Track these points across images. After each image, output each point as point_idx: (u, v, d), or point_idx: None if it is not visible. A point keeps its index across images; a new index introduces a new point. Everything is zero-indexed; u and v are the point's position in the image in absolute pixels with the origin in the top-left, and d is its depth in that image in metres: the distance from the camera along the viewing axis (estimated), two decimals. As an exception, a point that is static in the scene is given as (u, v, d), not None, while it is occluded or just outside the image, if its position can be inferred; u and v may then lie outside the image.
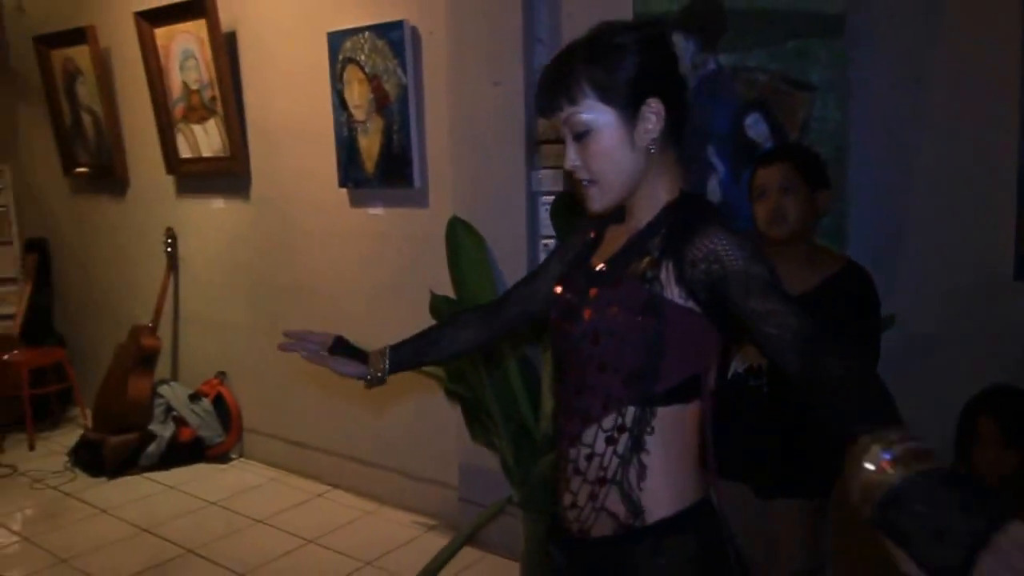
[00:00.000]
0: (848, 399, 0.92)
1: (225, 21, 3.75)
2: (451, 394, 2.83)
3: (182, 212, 4.33)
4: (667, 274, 1.12)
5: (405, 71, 3.16)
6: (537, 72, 1.86)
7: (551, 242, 2.83)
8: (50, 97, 4.79)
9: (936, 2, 2.08)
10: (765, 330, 1.04)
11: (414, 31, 3.15)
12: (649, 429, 1.14)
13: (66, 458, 4.15)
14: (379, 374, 1.47)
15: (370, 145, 3.33)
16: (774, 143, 2.27)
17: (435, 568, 2.39)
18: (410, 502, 3.46)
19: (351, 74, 3.33)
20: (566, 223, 2.70)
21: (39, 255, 5.21)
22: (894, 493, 0.76)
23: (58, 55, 4.65)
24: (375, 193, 3.41)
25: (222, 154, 3.95)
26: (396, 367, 1.48)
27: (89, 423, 4.36)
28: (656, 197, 1.20)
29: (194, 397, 4.22)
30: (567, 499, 1.22)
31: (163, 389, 4.25)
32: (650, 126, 1.14)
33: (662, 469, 1.15)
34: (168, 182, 4.33)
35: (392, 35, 3.16)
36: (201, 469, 4.06)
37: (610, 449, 1.16)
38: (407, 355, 1.49)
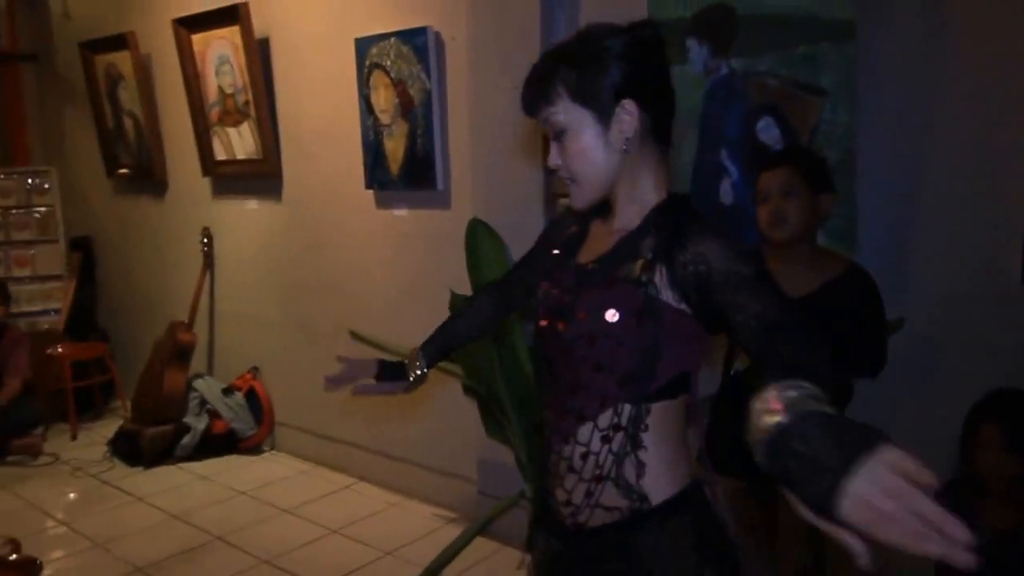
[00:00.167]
0: (790, 375, 0.89)
1: (258, 28, 3.87)
2: (468, 390, 2.91)
3: (217, 213, 4.47)
4: (661, 277, 1.15)
5: (429, 76, 3.24)
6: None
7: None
8: (94, 101, 4.98)
9: (945, 7, 2.10)
10: (736, 319, 1.06)
11: (437, 37, 3.24)
12: (644, 426, 1.17)
13: (106, 448, 4.31)
14: (419, 373, 1.55)
15: (395, 148, 3.43)
16: (785, 147, 2.30)
17: (446, 559, 2.47)
18: (432, 495, 3.55)
19: (377, 79, 3.43)
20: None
21: (83, 253, 5.40)
22: (777, 432, 0.77)
23: (101, 60, 4.84)
24: (400, 195, 3.50)
25: (255, 156, 4.08)
26: (431, 363, 1.57)
27: (128, 415, 4.53)
28: (643, 197, 1.23)
29: (227, 391, 4.37)
30: (561, 495, 1.24)
31: (198, 383, 4.40)
32: (624, 127, 1.18)
33: (658, 459, 1.18)
34: (204, 184, 4.48)
35: (416, 41, 3.25)
36: (233, 460, 4.20)
37: (606, 447, 1.19)
38: (436, 349, 1.58)
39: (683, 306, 1.14)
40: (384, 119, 3.44)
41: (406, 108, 3.35)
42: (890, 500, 0.69)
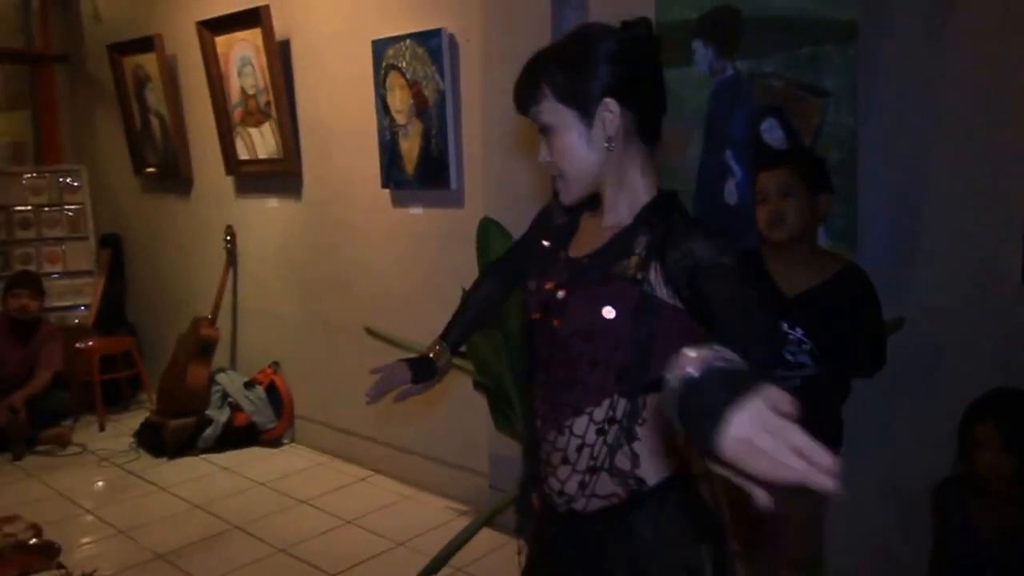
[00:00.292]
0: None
1: (279, 30, 3.96)
2: (479, 386, 2.96)
3: (240, 211, 4.58)
4: (656, 274, 1.18)
5: (443, 77, 3.30)
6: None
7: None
8: (122, 102, 5.11)
9: (947, 8, 2.11)
10: (711, 304, 1.09)
11: (451, 39, 3.29)
12: (639, 420, 1.21)
13: (131, 439, 4.44)
14: (446, 363, 1.60)
15: (410, 148, 3.49)
16: (784, 148, 2.33)
17: (453, 550, 2.53)
18: (445, 488, 3.62)
19: (393, 80, 3.50)
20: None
21: (113, 250, 5.53)
22: (684, 385, 0.76)
23: (129, 62, 4.97)
24: (415, 194, 3.57)
25: (276, 156, 4.18)
26: (454, 350, 1.61)
27: (153, 407, 4.65)
28: (632, 194, 1.26)
29: (249, 385, 4.47)
30: (554, 485, 1.28)
31: (220, 377, 4.51)
32: (606, 126, 1.21)
33: (651, 449, 1.22)
34: (228, 182, 4.59)
35: (431, 43, 3.31)
36: (254, 452, 4.30)
37: (600, 439, 1.22)
38: (456, 336, 1.63)
39: (677, 302, 1.18)
40: (400, 119, 3.51)
41: (421, 109, 3.41)
42: (767, 435, 0.70)
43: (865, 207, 2.25)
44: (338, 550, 3.17)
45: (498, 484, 3.26)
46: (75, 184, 5.37)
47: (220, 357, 4.69)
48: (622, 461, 1.23)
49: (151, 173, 5.15)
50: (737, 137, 2.46)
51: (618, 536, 1.24)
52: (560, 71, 1.23)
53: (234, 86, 4.28)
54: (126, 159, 5.28)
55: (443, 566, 2.62)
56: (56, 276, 5.31)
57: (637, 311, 1.18)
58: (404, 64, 3.43)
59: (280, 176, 4.21)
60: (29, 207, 5.28)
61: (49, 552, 2.06)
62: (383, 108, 3.56)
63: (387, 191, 3.68)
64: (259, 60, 4.07)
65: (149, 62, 4.81)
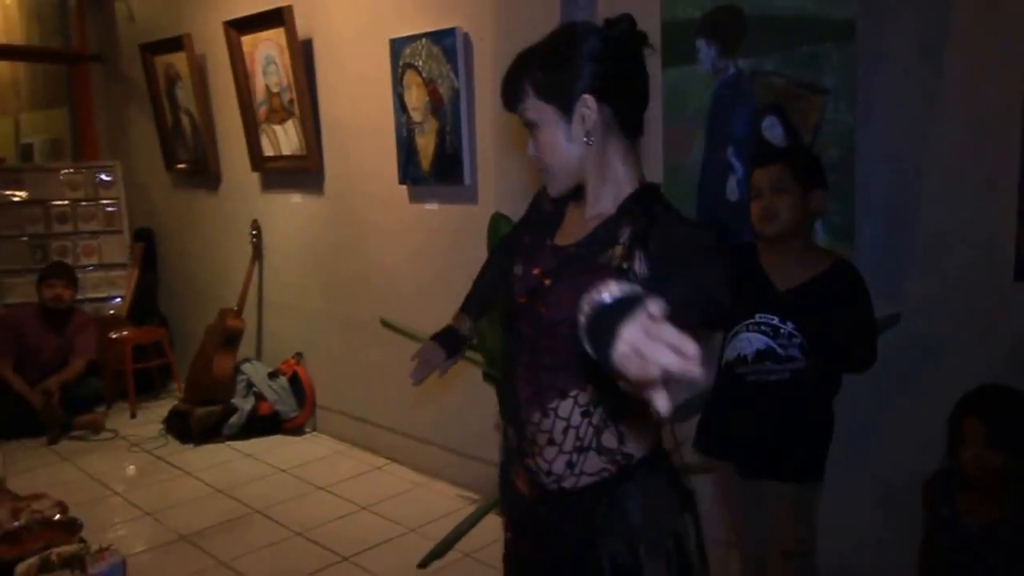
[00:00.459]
0: None
1: (302, 29, 4.07)
2: (488, 377, 3.04)
3: (265, 206, 4.70)
4: (640, 263, 1.23)
5: (457, 75, 3.37)
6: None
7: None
8: (154, 100, 5.27)
9: (944, 7, 2.13)
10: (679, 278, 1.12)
11: (466, 38, 3.37)
12: (623, 401, 1.24)
13: (161, 426, 4.59)
14: (468, 328, 1.70)
15: (426, 145, 3.58)
16: (777, 145, 2.37)
17: (459, 534, 2.61)
18: (457, 477, 3.70)
19: (410, 78, 3.58)
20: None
21: (146, 244, 5.70)
22: (593, 313, 0.82)
23: (160, 61, 5.12)
24: (430, 190, 3.65)
25: (299, 153, 4.29)
26: (476, 320, 1.72)
27: (181, 395, 4.81)
28: (616, 186, 1.32)
29: (273, 375, 4.60)
30: (542, 465, 1.33)
31: (245, 367, 4.64)
32: (584, 121, 1.27)
33: (636, 428, 1.28)
34: (254, 178, 4.72)
35: (446, 42, 3.39)
36: (277, 440, 4.43)
37: (586, 421, 1.28)
38: (474, 304, 1.73)
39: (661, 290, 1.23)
40: (416, 117, 3.60)
41: (436, 106, 3.49)
42: (647, 339, 0.74)
43: (863, 204, 2.27)
44: (352, 534, 3.27)
45: (508, 473, 3.34)
46: (110, 180, 5.55)
47: (246, 348, 4.83)
48: (609, 440, 1.28)
49: (182, 169, 5.31)
50: (738, 135, 2.50)
51: (608, 509, 1.29)
52: (540, 70, 1.30)
53: (259, 84, 4.40)
54: (158, 155, 5.44)
55: (449, 550, 2.70)
56: (92, 268, 5.50)
57: (624, 301, 1.23)
58: (420, 63, 3.51)
59: (303, 172, 4.32)
60: (66, 202, 5.46)
61: (72, 528, 2.18)
62: (400, 106, 3.65)
63: (404, 187, 3.77)
64: (283, 59, 4.18)
65: (179, 61, 4.96)
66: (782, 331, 2.01)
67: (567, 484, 1.31)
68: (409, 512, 3.45)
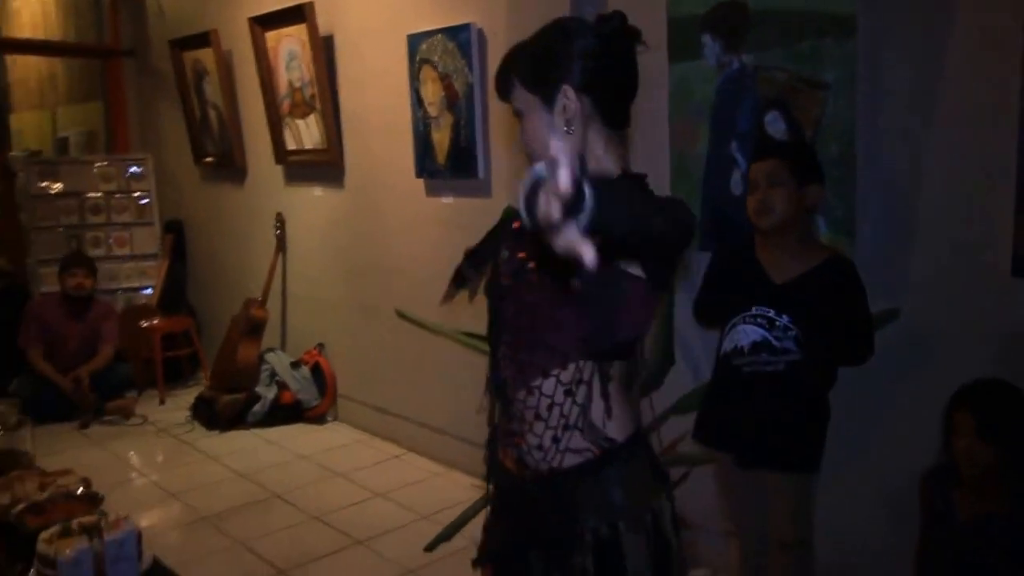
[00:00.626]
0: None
1: (323, 25, 4.15)
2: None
3: (288, 199, 4.81)
4: None
5: (472, 70, 3.42)
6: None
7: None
8: (183, 94, 5.40)
9: (944, 3, 2.13)
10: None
11: (480, 33, 3.41)
12: (607, 378, 1.31)
13: (188, 413, 4.73)
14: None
15: (442, 139, 3.63)
16: (774, 139, 2.38)
17: (465, 520, 2.68)
18: (472, 467, 3.75)
19: (426, 73, 3.64)
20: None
21: (175, 235, 5.85)
22: (531, 183, 0.86)
23: (189, 56, 5.24)
24: (446, 183, 3.71)
25: (321, 146, 4.38)
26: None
27: (208, 383, 4.94)
28: (597, 174, 1.33)
29: (295, 364, 4.71)
30: (532, 440, 1.36)
31: (269, 356, 4.75)
32: (565, 111, 1.31)
33: (620, 407, 1.33)
34: (277, 171, 4.82)
35: (461, 37, 3.44)
36: (299, 428, 4.54)
37: (569, 400, 1.31)
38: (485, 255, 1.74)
39: (637, 270, 1.25)
40: (432, 111, 3.65)
41: (451, 101, 3.55)
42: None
43: (863, 199, 2.28)
44: (367, 520, 3.36)
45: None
46: (142, 172, 5.70)
47: (271, 338, 4.95)
48: (593, 418, 1.31)
49: (209, 162, 5.44)
50: (742, 129, 2.52)
51: (591, 489, 1.33)
52: (527, 62, 1.35)
53: (282, 79, 4.49)
54: (187, 149, 5.57)
55: (455, 534, 2.76)
56: (124, 259, 5.65)
57: (600, 281, 1.24)
58: (436, 58, 3.57)
59: (324, 166, 4.41)
60: (100, 193, 5.62)
61: (93, 500, 2.29)
62: (417, 100, 3.71)
63: (421, 180, 3.83)
64: (305, 54, 4.27)
65: (207, 56, 5.07)
66: (778, 323, 2.04)
67: (554, 462, 1.34)
68: (423, 500, 3.52)
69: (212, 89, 5.15)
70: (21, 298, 5.21)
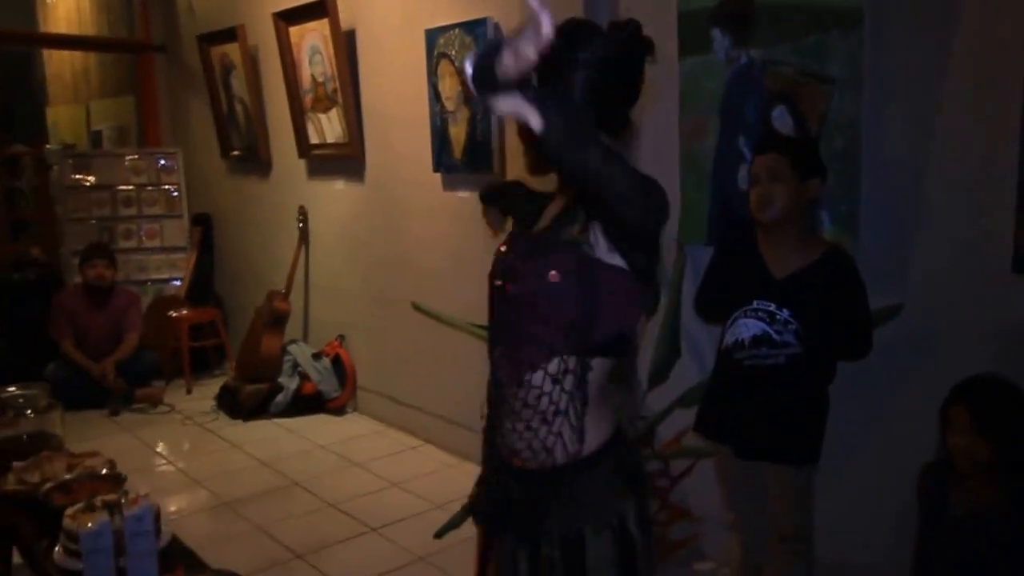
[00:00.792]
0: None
1: (345, 20, 4.21)
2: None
3: (311, 192, 4.89)
4: (595, 236, 1.30)
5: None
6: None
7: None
8: (211, 89, 5.50)
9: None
10: None
11: (497, 27, 3.44)
12: (588, 373, 1.33)
13: (213, 402, 4.84)
14: None
15: (458, 133, 3.68)
16: (774, 133, 2.39)
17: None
18: (485, 458, 3.81)
19: (444, 68, 3.68)
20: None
21: (203, 228, 5.97)
22: (483, 56, 1.02)
23: (217, 51, 5.34)
24: (463, 177, 3.75)
25: (342, 140, 4.44)
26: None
27: (232, 373, 5.05)
28: None
29: (317, 356, 4.79)
30: (520, 427, 1.39)
31: (292, 347, 4.85)
32: None
33: (597, 404, 1.36)
34: (300, 165, 4.90)
35: (477, 31, 3.47)
36: (320, 419, 4.63)
37: (557, 387, 1.34)
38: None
39: (616, 258, 1.29)
40: (449, 106, 3.70)
41: (468, 96, 3.59)
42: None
43: (867, 194, 2.28)
44: (382, 508, 3.43)
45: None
46: (172, 165, 5.82)
47: (294, 330, 5.04)
48: (577, 407, 1.34)
49: (236, 156, 5.54)
50: (750, 124, 2.52)
51: (562, 497, 1.37)
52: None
53: (305, 74, 4.57)
54: (215, 143, 5.68)
55: (464, 521, 2.81)
56: (154, 251, 5.78)
57: (580, 273, 1.30)
58: (453, 52, 3.61)
59: (345, 160, 4.47)
60: (131, 187, 5.75)
61: (117, 480, 2.39)
62: (435, 95, 3.76)
63: (438, 175, 3.88)
64: (327, 49, 4.33)
65: (233, 51, 5.16)
66: (778, 317, 2.05)
67: (539, 454, 1.37)
68: (437, 490, 3.58)
69: (239, 84, 5.25)
70: (55, 288, 5.36)
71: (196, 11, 5.73)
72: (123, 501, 2.07)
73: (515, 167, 3.46)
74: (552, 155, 1.11)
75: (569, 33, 1.32)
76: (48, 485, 2.32)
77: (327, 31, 4.27)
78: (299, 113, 4.68)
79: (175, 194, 5.81)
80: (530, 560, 1.39)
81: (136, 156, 5.83)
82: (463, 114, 3.63)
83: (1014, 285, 2.03)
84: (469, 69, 1.02)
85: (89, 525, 1.88)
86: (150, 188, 5.79)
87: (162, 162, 5.81)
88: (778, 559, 2.18)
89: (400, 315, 4.24)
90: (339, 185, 4.65)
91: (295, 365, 4.78)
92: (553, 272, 1.32)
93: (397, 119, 4.11)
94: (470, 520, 2.95)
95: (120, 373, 4.78)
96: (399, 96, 4.06)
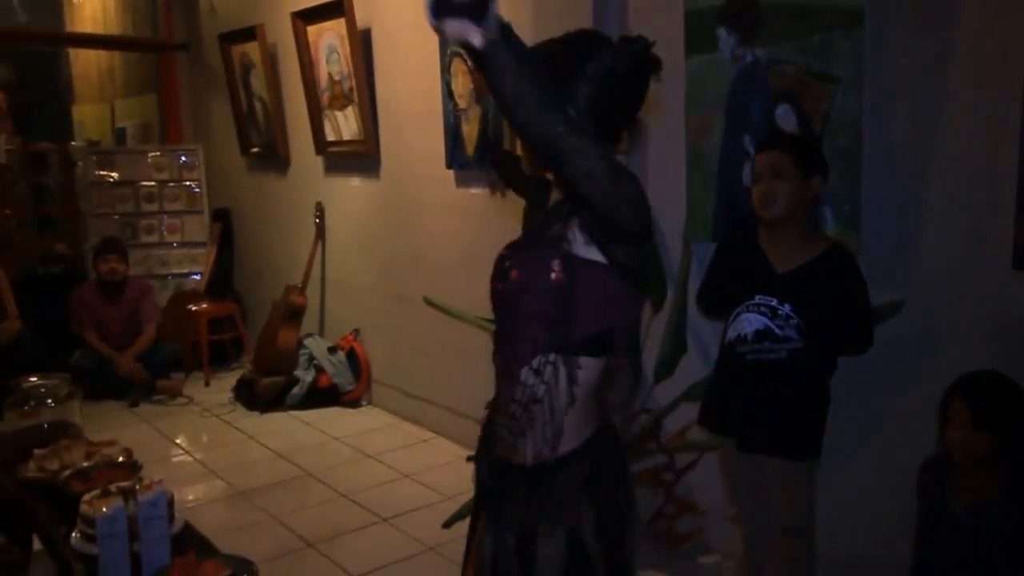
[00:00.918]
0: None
1: (361, 19, 4.27)
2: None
3: (328, 189, 4.96)
4: (573, 231, 1.32)
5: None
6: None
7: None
8: (231, 87, 5.59)
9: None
10: None
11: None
12: (577, 371, 1.35)
13: (230, 394, 4.93)
14: None
15: (471, 131, 3.72)
16: (777, 131, 2.41)
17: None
18: (496, 451, 3.86)
19: (456, 66, 3.73)
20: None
21: (223, 223, 6.07)
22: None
23: (237, 50, 5.42)
24: (475, 174, 3.80)
25: (358, 137, 4.51)
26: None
27: (249, 366, 5.13)
28: None
29: (332, 349, 4.87)
30: (504, 419, 1.43)
31: (308, 341, 4.92)
32: None
33: (584, 407, 1.37)
34: (317, 162, 4.97)
35: (489, 31, 3.51)
36: (334, 411, 4.70)
37: (537, 379, 1.36)
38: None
39: (593, 251, 1.31)
40: (461, 104, 3.74)
41: (479, 93, 3.63)
42: None
43: (870, 192, 2.29)
44: (394, 500, 3.49)
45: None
46: (193, 162, 5.92)
47: (310, 324, 5.12)
48: (559, 400, 1.36)
49: (255, 153, 5.63)
50: (755, 122, 2.54)
51: (518, 491, 1.40)
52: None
53: (323, 72, 4.63)
54: (235, 140, 5.77)
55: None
56: (175, 246, 5.89)
57: (560, 268, 1.32)
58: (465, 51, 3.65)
59: (361, 157, 4.54)
60: (153, 183, 5.85)
61: (133, 468, 2.45)
62: (448, 93, 3.80)
63: (451, 171, 3.93)
64: (343, 48, 4.39)
65: (253, 50, 5.24)
66: (780, 312, 2.08)
67: (518, 444, 1.40)
68: (448, 482, 3.63)
69: (258, 82, 5.33)
70: (79, 282, 5.47)
71: (218, 10, 5.81)
72: (137, 487, 2.14)
73: (526, 164, 3.50)
74: (501, 99, 1.14)
75: (577, 43, 1.34)
76: (66, 472, 2.39)
77: (344, 30, 4.33)
78: (316, 111, 4.75)
79: (196, 190, 5.91)
80: (494, 546, 1.42)
81: (158, 153, 5.94)
82: (475, 112, 3.67)
83: (1015, 282, 2.04)
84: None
85: (104, 510, 1.94)
86: (172, 184, 5.89)
87: (183, 159, 5.91)
88: (780, 553, 2.20)
89: (413, 310, 4.30)
90: (355, 181, 4.71)
91: (311, 358, 4.86)
92: (534, 267, 1.36)
93: (411, 116, 4.16)
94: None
95: (142, 364, 4.88)
96: (413, 94, 4.11)
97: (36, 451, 2.53)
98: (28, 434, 2.74)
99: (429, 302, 3.59)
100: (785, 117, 2.44)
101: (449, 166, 3.90)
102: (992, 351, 2.08)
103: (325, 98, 4.68)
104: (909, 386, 2.31)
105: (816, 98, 2.35)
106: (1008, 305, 2.08)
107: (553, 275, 1.33)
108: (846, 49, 2.26)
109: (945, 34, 2.14)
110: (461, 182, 3.91)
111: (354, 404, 4.77)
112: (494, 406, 1.56)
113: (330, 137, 4.74)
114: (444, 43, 3.77)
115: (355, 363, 4.82)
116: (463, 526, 2.97)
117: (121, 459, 2.55)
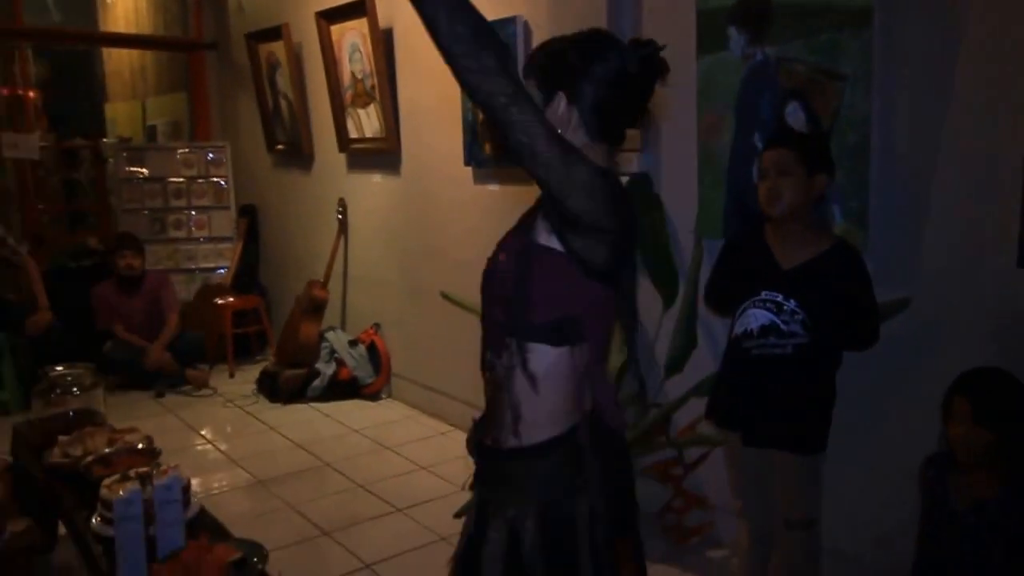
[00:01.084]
0: None
1: (383, 19, 4.33)
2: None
3: (350, 185, 5.04)
4: (539, 221, 1.35)
5: (517, 62, 3.53)
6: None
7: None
8: (257, 85, 5.69)
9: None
10: None
11: (525, 25, 3.52)
12: (527, 356, 1.34)
13: (253, 386, 5.03)
14: None
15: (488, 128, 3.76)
16: (783, 129, 2.42)
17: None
18: (511, 445, 3.90)
19: (475, 65, 3.76)
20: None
21: (249, 219, 6.18)
22: None
23: (264, 49, 5.52)
24: (492, 172, 3.84)
25: (380, 135, 4.57)
26: None
27: (272, 358, 5.23)
28: None
29: (353, 343, 4.95)
30: (486, 409, 1.47)
31: (329, 334, 5.01)
32: (556, 112, 1.36)
33: (548, 398, 1.36)
34: (340, 159, 5.05)
35: (507, 29, 3.55)
36: (354, 404, 4.78)
37: (499, 362, 1.38)
38: None
39: (553, 240, 1.31)
40: (480, 102, 3.78)
41: (497, 92, 3.66)
42: None
43: (877, 190, 2.30)
44: (410, 491, 3.55)
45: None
46: (220, 159, 6.03)
47: (332, 318, 5.20)
48: (518, 387, 1.36)
49: (280, 150, 5.73)
50: (765, 120, 2.56)
51: (499, 477, 1.44)
52: (543, 60, 1.40)
53: (346, 71, 4.71)
54: (261, 137, 5.87)
55: (482, 505, 2.91)
56: (202, 241, 6.01)
57: (520, 254, 1.35)
58: (484, 50, 3.69)
59: (383, 154, 4.61)
60: (182, 179, 5.98)
61: (152, 454, 2.54)
62: (466, 91, 3.84)
63: (469, 168, 3.97)
64: (366, 47, 4.46)
65: (279, 49, 5.34)
66: (785, 308, 2.10)
67: (491, 428, 1.43)
68: (463, 473, 3.64)
69: (284, 81, 5.42)
70: (110, 276, 5.60)
71: (246, 10, 5.92)
72: (154, 472, 2.21)
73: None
74: (441, 52, 1.21)
75: (586, 43, 1.36)
76: (89, 459, 2.48)
77: (366, 29, 4.40)
78: (339, 109, 4.83)
79: (223, 186, 6.02)
80: (466, 521, 1.52)
81: (187, 150, 6.05)
82: (493, 109, 3.71)
83: (1019, 280, 2.04)
84: None
85: (121, 493, 2.01)
86: (200, 180, 6.01)
87: (211, 155, 6.02)
88: (785, 547, 2.21)
89: (432, 305, 4.36)
90: (376, 178, 4.78)
91: (332, 351, 4.94)
92: (503, 255, 1.40)
93: (432, 114, 4.22)
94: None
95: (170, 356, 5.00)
96: (433, 92, 4.17)
97: (61, 438, 2.63)
98: (55, 421, 2.85)
99: (447, 297, 3.65)
100: (794, 115, 2.45)
101: (467, 163, 3.95)
102: (996, 348, 2.08)
103: (348, 96, 4.75)
104: (914, 382, 2.31)
105: (825, 96, 2.36)
106: (1012, 302, 2.08)
107: (502, 256, 1.38)
108: (855, 48, 2.27)
109: (952, 33, 2.14)
110: (479, 179, 3.96)
111: (374, 397, 4.85)
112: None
113: (353, 134, 4.82)
114: (463, 41, 3.80)
115: (375, 356, 4.90)
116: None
117: (141, 446, 2.65)
